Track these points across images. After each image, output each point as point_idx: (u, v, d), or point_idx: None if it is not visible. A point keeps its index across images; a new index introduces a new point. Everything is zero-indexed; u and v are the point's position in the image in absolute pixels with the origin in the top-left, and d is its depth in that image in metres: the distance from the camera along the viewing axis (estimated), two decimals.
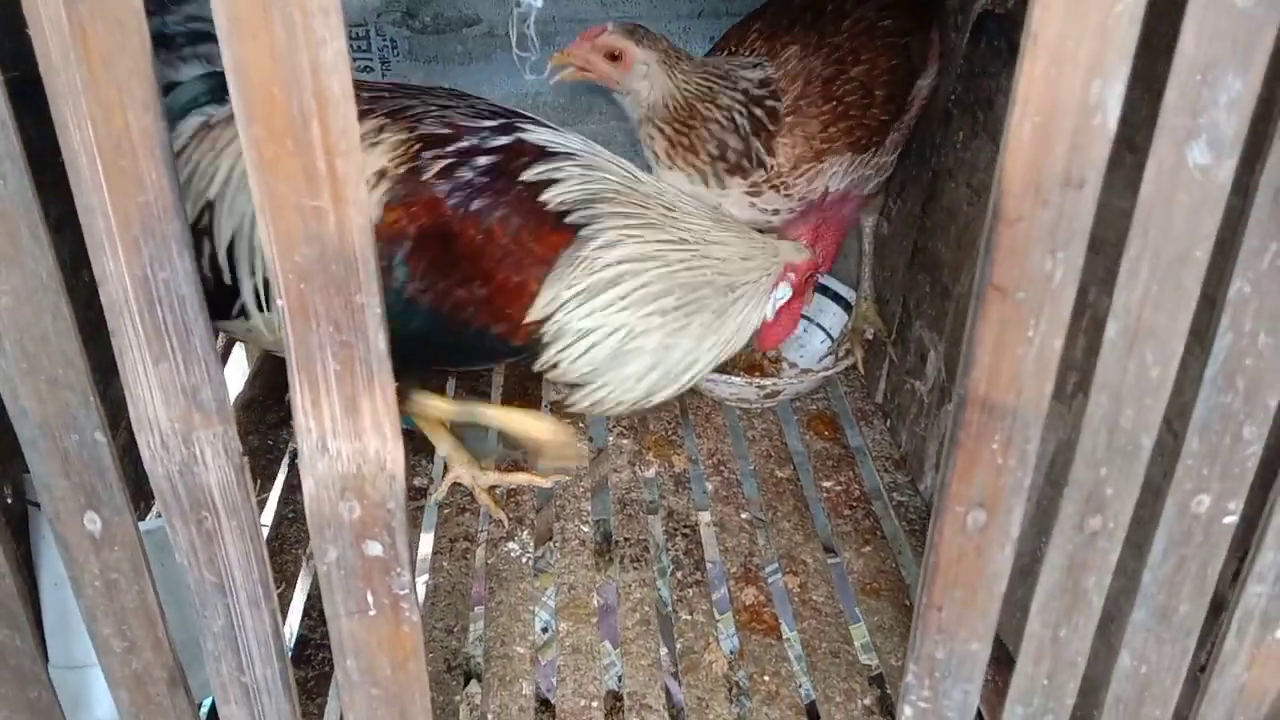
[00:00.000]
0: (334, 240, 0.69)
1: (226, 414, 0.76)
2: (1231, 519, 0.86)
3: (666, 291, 1.41)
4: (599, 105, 2.06)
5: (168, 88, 1.33)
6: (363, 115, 1.26)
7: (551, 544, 1.66)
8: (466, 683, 1.42)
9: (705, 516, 1.72)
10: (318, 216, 0.69)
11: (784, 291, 1.58)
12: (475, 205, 1.27)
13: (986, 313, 0.76)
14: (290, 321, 0.72)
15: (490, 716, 1.35)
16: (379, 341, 0.74)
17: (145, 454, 0.77)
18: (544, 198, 1.31)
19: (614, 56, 1.52)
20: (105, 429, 0.77)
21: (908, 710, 0.94)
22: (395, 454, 0.78)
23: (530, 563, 1.60)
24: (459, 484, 1.70)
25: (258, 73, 0.64)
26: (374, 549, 0.82)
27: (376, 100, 1.35)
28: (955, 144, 1.68)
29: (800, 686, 1.42)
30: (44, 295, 0.71)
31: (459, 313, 1.30)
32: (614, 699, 1.45)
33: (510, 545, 1.64)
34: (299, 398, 0.75)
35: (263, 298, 1.31)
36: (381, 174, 1.27)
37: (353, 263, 0.70)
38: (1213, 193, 0.71)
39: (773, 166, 1.58)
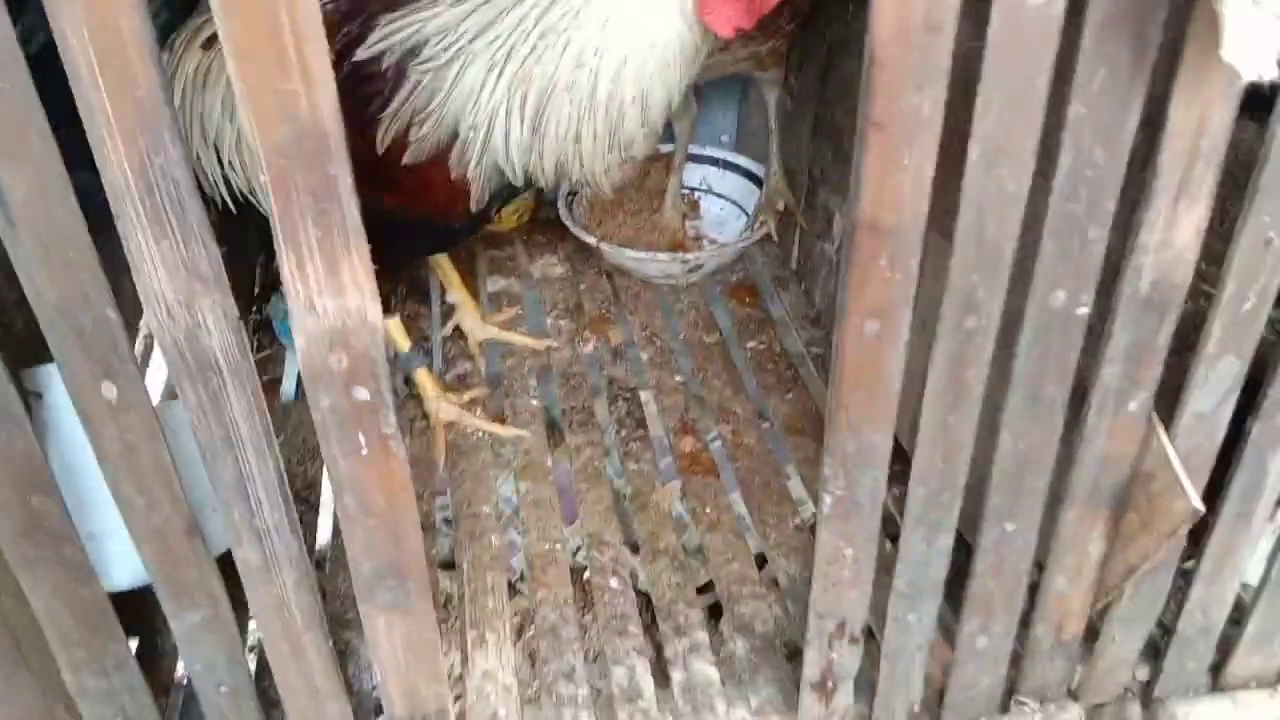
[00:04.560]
0: (307, 119, 0.80)
1: (223, 284, 0.87)
2: (1084, 310, 1.02)
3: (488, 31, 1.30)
4: None
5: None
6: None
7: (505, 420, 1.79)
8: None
9: (645, 380, 1.87)
10: (292, 99, 0.79)
11: None
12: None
13: (868, 146, 0.90)
14: (274, 195, 0.82)
15: (466, 565, 1.50)
16: (352, 209, 0.85)
17: (154, 325, 0.88)
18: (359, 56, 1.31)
19: None
20: (114, 306, 0.87)
21: (827, 499, 1.11)
22: (374, 309, 0.90)
23: (486, 437, 1.74)
24: (460, 330, 1.87)
25: None
26: (361, 394, 0.94)
27: None
28: (847, 17, 1.81)
29: (738, 516, 1.59)
30: (53, 187, 0.81)
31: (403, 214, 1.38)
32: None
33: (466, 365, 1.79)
34: (286, 264, 0.86)
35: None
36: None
37: (324, 138, 0.81)
38: (1048, 28, 0.85)
39: None
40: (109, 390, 0.91)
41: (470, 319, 1.87)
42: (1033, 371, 1.06)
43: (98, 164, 0.80)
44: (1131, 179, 0.97)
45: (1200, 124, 0.93)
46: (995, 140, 0.91)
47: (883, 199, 0.92)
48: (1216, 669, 1.39)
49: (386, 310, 1.51)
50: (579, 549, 1.55)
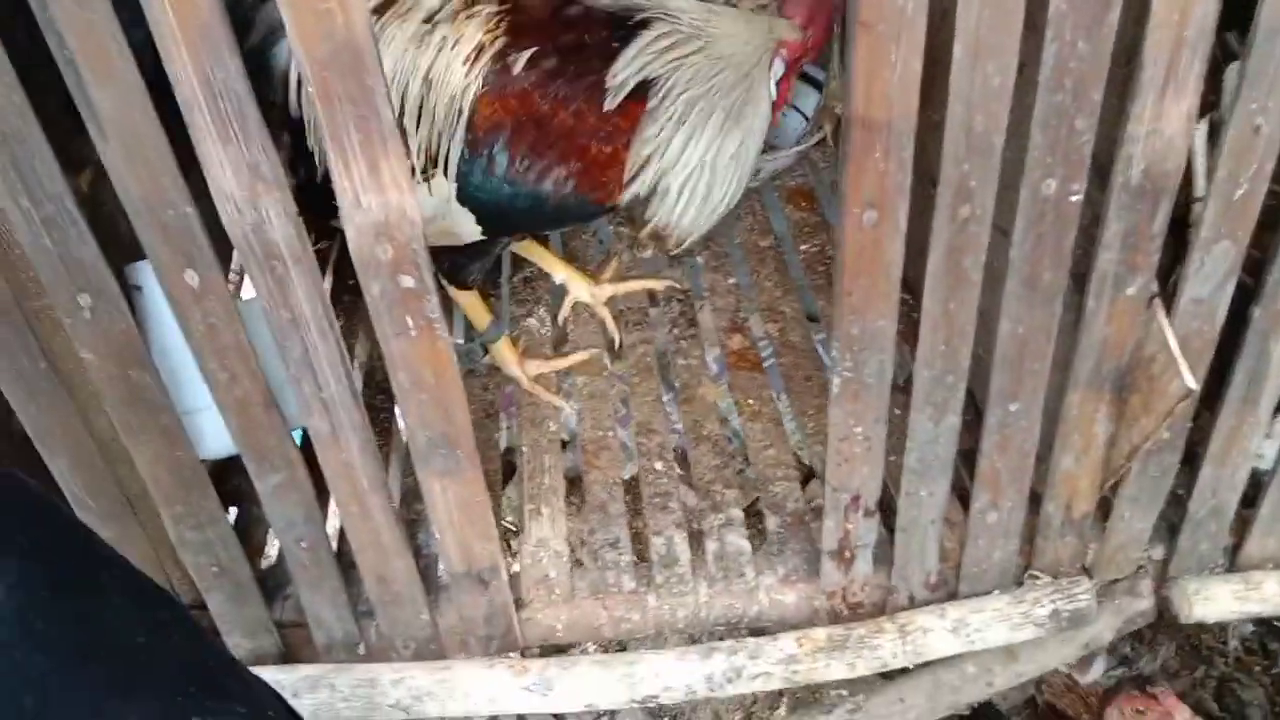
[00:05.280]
0: (343, 34, 0.91)
1: (283, 183, 1.00)
2: (1076, 198, 1.08)
3: (708, 104, 1.48)
4: None
5: None
6: None
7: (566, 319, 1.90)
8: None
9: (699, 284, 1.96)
10: (328, 17, 0.90)
11: (779, 69, 1.58)
12: (561, 92, 1.40)
13: (858, 46, 0.96)
14: (320, 105, 0.94)
15: (525, 449, 1.64)
16: (387, 114, 0.96)
17: (225, 220, 1.01)
18: (608, 81, 1.42)
19: None
20: (191, 202, 1.01)
21: (836, 380, 1.20)
22: (413, 203, 1.01)
23: (549, 334, 1.86)
24: (580, 302, 1.88)
25: None
26: (407, 281, 1.06)
27: None
28: None
29: (778, 405, 1.69)
30: (135, 99, 0.94)
31: (560, 187, 1.44)
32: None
33: (530, 321, 1.90)
34: (335, 166, 0.98)
35: None
36: (480, 48, 1.40)
37: (359, 51, 0.92)
38: None
39: None
40: (191, 277, 1.05)
41: (584, 289, 1.88)
42: (1028, 258, 1.12)
43: (170, 80, 0.93)
44: (1123, 73, 1.02)
45: (1183, 15, 0.97)
46: (978, 35, 0.96)
47: (873, 96, 0.99)
48: (1234, 550, 1.44)
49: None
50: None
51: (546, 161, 1.44)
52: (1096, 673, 1.62)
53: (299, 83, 1.44)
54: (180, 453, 1.20)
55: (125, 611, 0.64)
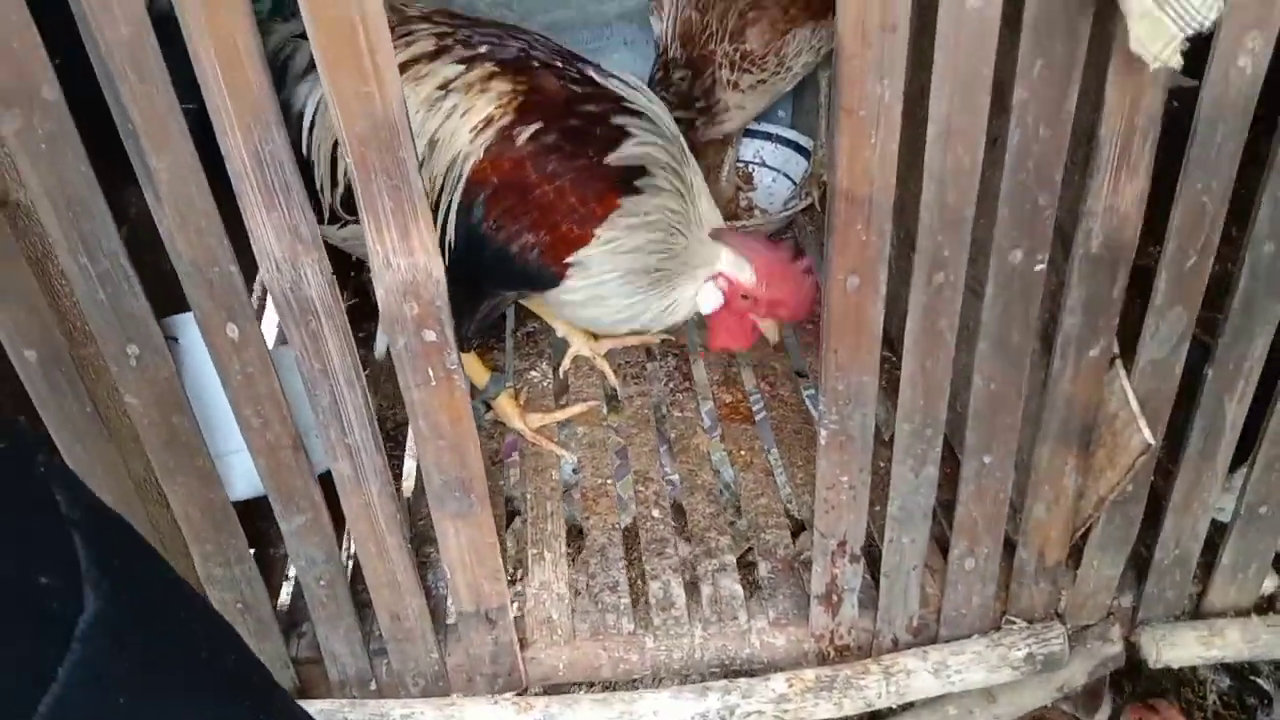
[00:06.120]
0: (380, 113, 1.01)
1: (320, 245, 1.10)
2: (1040, 267, 1.18)
3: (648, 260, 1.58)
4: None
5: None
6: (476, 59, 1.53)
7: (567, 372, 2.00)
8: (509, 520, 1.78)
9: (693, 340, 2.06)
10: (367, 99, 1.01)
11: (712, 295, 1.64)
12: (551, 167, 1.49)
13: (841, 129, 1.07)
14: (357, 175, 1.05)
15: (528, 495, 1.72)
16: (418, 184, 1.06)
17: (266, 278, 1.11)
18: (609, 159, 1.51)
19: None
20: (236, 263, 1.11)
21: (823, 433, 1.29)
22: (438, 264, 1.11)
23: (550, 385, 1.96)
24: (580, 356, 1.99)
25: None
26: (429, 335, 1.16)
27: (491, 43, 1.56)
28: None
29: (769, 459, 1.78)
30: (188, 170, 1.04)
31: (526, 252, 1.53)
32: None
33: (533, 374, 1.99)
34: (368, 230, 1.08)
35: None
36: (488, 121, 1.49)
37: (395, 128, 1.02)
38: (986, 27, 1.02)
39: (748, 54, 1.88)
40: (232, 330, 1.15)
41: (584, 343, 1.99)
42: (999, 320, 1.22)
43: (221, 151, 1.03)
44: (1084, 152, 1.13)
45: (1134, 104, 1.09)
46: (949, 121, 1.07)
47: (855, 173, 1.10)
48: (1198, 598, 1.53)
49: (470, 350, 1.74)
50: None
51: (519, 226, 1.52)
52: (1104, 715, 1.67)
53: (311, 125, 1.54)
54: (212, 494, 1.28)
55: (193, 626, 0.73)
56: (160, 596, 0.71)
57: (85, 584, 0.62)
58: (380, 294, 1.13)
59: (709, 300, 1.65)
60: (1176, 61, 0.96)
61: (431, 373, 1.19)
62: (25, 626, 0.58)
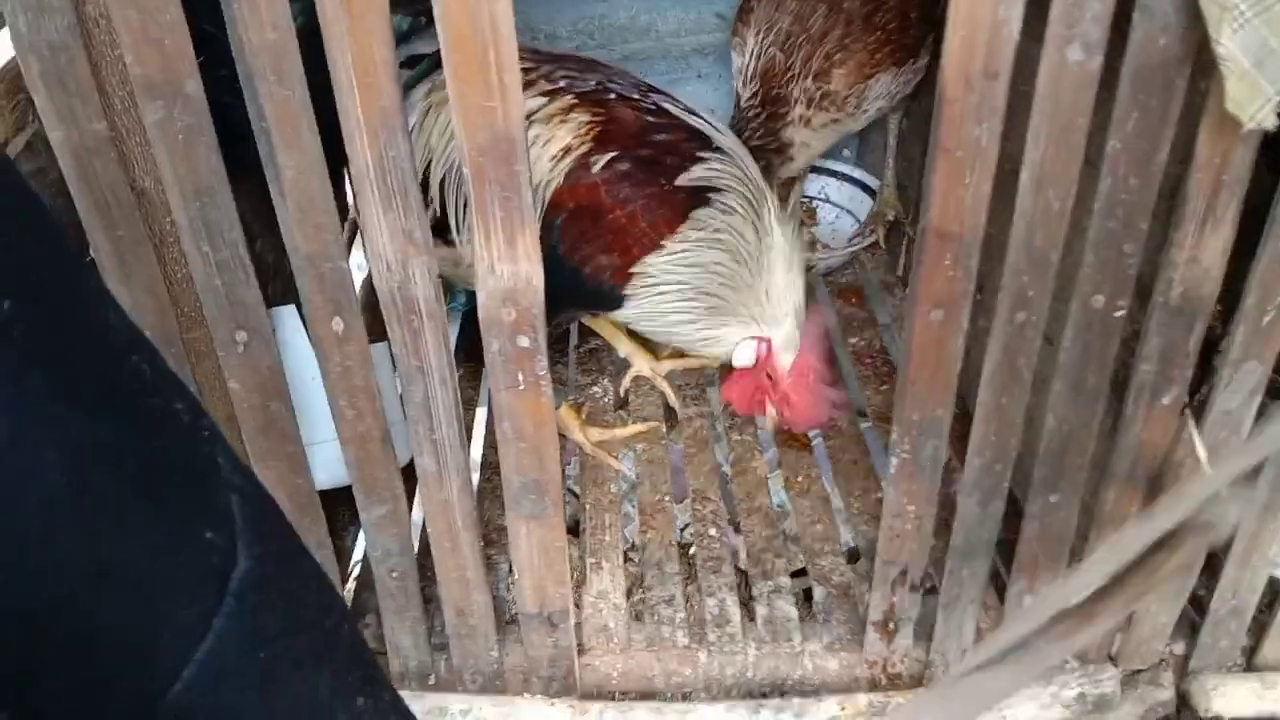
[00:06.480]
0: (501, 127, 1.06)
1: (430, 247, 1.15)
2: (1121, 313, 1.21)
3: (709, 279, 1.62)
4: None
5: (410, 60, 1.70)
6: (558, 92, 1.61)
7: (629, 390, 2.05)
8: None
9: None
10: (491, 112, 1.06)
11: (747, 352, 1.68)
12: (624, 193, 1.56)
13: (937, 167, 1.11)
14: (473, 183, 1.10)
15: (588, 506, 1.76)
16: (528, 196, 1.11)
17: (376, 277, 1.16)
18: (679, 180, 1.57)
19: None
20: (347, 259, 1.16)
21: (894, 461, 1.32)
22: (538, 273, 1.16)
23: (610, 401, 2.00)
24: (640, 376, 2.04)
25: (455, 18, 1.00)
26: (524, 341, 1.20)
27: (571, 77, 1.64)
28: None
29: (825, 484, 1.81)
30: (313, 168, 1.10)
31: (598, 274, 1.60)
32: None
33: (594, 389, 2.04)
34: (478, 237, 1.13)
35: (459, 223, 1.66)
36: (566, 150, 1.57)
37: (513, 142, 1.07)
38: (1087, 79, 1.05)
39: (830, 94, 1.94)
40: (338, 324, 1.20)
41: (645, 363, 2.04)
42: (1075, 363, 1.25)
43: (348, 154, 1.09)
44: (1167, 204, 1.17)
45: (1223, 160, 1.12)
46: (1042, 167, 1.11)
47: (948, 211, 1.14)
48: (1251, 651, 1.54)
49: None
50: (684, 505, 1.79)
51: (592, 248, 1.59)
52: None
53: None
54: (300, 480, 1.33)
55: (321, 595, 0.77)
56: (296, 564, 0.75)
57: (239, 543, 0.66)
58: (481, 298, 1.18)
59: (743, 356, 1.69)
60: (1271, 123, 0.99)
61: (521, 377, 1.23)
62: (193, 576, 0.63)
